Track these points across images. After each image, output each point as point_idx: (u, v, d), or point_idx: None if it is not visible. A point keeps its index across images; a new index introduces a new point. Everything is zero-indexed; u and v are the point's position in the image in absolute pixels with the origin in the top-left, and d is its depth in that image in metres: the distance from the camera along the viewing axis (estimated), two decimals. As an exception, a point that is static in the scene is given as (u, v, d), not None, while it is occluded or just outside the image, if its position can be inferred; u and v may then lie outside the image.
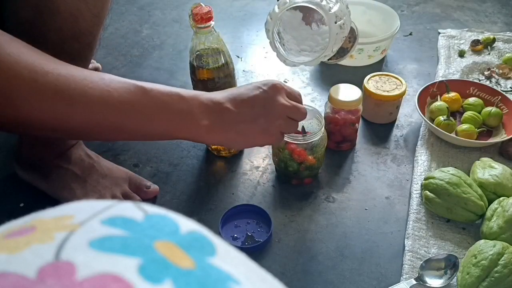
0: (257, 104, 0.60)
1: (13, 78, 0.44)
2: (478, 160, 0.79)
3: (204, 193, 0.79)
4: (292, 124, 0.65)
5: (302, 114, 0.65)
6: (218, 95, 0.60)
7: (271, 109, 0.61)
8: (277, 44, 0.72)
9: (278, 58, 0.73)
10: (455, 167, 0.74)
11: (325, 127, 0.76)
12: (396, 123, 0.92)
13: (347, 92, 0.81)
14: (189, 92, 0.58)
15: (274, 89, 0.61)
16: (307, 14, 0.73)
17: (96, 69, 1.05)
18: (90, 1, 0.61)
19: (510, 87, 0.99)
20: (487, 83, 0.99)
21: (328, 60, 0.78)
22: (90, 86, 0.48)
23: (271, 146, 0.79)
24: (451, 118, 0.86)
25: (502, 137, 0.83)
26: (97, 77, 0.50)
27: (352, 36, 0.81)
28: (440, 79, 0.97)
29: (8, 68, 0.44)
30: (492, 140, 0.84)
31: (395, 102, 0.88)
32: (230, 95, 0.60)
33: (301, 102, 0.66)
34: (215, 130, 0.58)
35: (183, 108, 0.56)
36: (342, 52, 0.82)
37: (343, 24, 0.69)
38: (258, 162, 0.84)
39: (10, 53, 0.45)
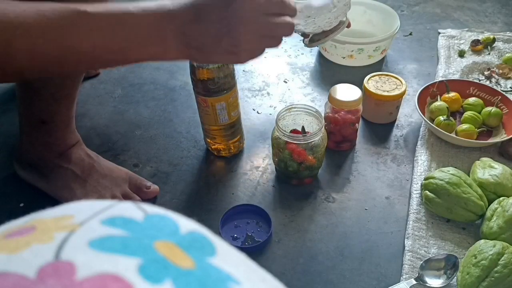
0: (221, 21, 0.52)
1: None
2: (478, 160, 0.79)
3: (204, 193, 0.79)
4: (270, 41, 0.56)
5: (284, 30, 0.55)
6: (179, 8, 0.52)
7: (237, 28, 0.52)
8: None
9: None
10: (455, 167, 0.74)
11: (325, 127, 0.76)
12: (396, 123, 0.92)
13: (347, 92, 0.81)
14: (144, 8, 0.51)
15: (242, 2, 0.52)
16: None
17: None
18: None
19: (510, 87, 0.99)
20: (487, 83, 0.99)
21: (309, 42, 0.76)
22: (25, 22, 0.46)
23: (271, 146, 0.79)
24: (451, 118, 0.86)
25: (502, 137, 0.83)
26: (32, 9, 0.46)
27: (342, 21, 0.80)
28: (440, 79, 0.97)
29: None
30: (492, 140, 0.84)
31: (395, 102, 0.88)
32: (193, 7, 0.52)
33: (291, 12, 0.56)
34: (173, 52, 0.53)
35: (137, 27, 0.51)
36: (329, 32, 0.79)
37: None
38: (258, 162, 0.84)
39: None
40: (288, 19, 0.55)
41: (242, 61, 0.57)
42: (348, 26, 0.76)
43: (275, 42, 0.57)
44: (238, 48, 0.54)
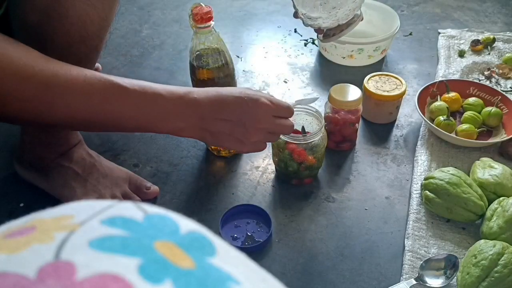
0: (235, 118, 0.62)
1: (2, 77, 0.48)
2: (478, 160, 0.79)
3: (204, 193, 0.79)
4: (273, 137, 0.68)
5: (286, 130, 0.67)
6: (201, 96, 0.60)
7: (249, 125, 0.62)
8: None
9: (296, 12, 0.72)
10: (455, 167, 0.74)
11: (325, 127, 0.76)
12: (396, 123, 0.92)
13: (347, 92, 0.81)
14: (171, 91, 0.59)
15: (256, 105, 0.62)
16: None
17: (96, 70, 1.05)
18: (98, 5, 0.61)
19: (510, 87, 0.99)
20: (487, 83, 0.99)
21: (324, 36, 0.76)
22: (72, 87, 0.52)
23: (271, 146, 0.79)
24: (451, 118, 0.86)
25: (502, 137, 0.83)
26: (80, 76, 0.53)
27: (357, 15, 0.80)
28: (440, 79, 0.97)
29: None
30: (492, 140, 0.84)
31: (395, 102, 0.88)
32: (213, 100, 0.61)
33: (290, 115, 0.67)
34: (193, 130, 0.62)
35: (163, 108, 0.59)
36: (345, 25, 0.80)
37: None
38: (258, 162, 0.84)
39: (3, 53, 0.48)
40: (289, 121, 0.67)
41: (247, 150, 0.68)
42: (361, 19, 0.77)
43: (275, 138, 0.69)
44: (247, 139, 0.64)
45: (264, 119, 0.63)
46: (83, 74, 0.53)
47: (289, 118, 0.67)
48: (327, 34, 0.76)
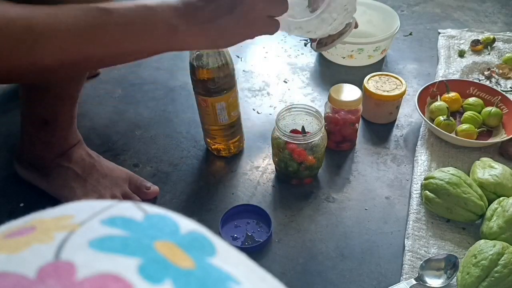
0: None
1: None
2: (478, 160, 0.79)
3: (204, 193, 0.79)
4: (279, 2, 0.58)
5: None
6: None
7: None
8: None
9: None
10: (455, 167, 0.74)
11: (325, 127, 0.76)
12: (396, 123, 0.92)
13: (347, 92, 0.81)
14: (157, 0, 0.53)
15: None
16: (313, 1, 0.73)
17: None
18: None
19: (510, 87, 0.99)
20: (487, 83, 0.99)
21: (317, 46, 0.77)
22: (55, 23, 0.48)
23: (271, 146, 0.79)
24: (451, 118, 0.86)
25: (502, 137, 0.83)
26: (60, 11, 0.49)
27: (349, 24, 0.80)
28: (440, 79, 0.97)
29: None
30: (492, 140, 0.84)
31: (395, 102, 0.88)
32: None
33: None
34: (194, 33, 0.54)
35: (153, 19, 0.53)
36: (336, 35, 0.80)
37: None
38: (258, 162, 0.84)
39: None
40: None
41: (261, 30, 0.58)
42: (356, 26, 0.76)
43: (284, 4, 0.58)
44: (253, 13, 0.55)
45: None
46: (61, 7, 0.49)
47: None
48: (320, 42, 0.77)
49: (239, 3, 0.54)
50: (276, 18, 0.63)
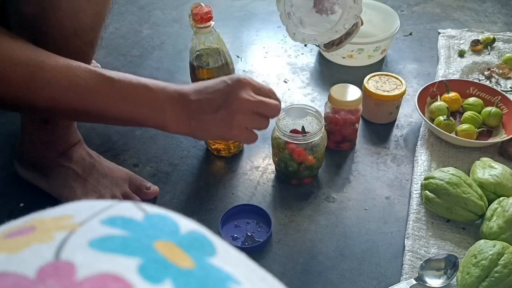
0: (219, 96, 0.61)
1: None
2: (478, 160, 0.79)
3: (204, 193, 0.79)
4: (260, 120, 0.64)
5: (272, 109, 0.64)
6: (185, 87, 0.62)
7: (232, 102, 0.61)
8: (287, 17, 0.72)
9: (288, 32, 0.73)
10: (455, 167, 0.74)
11: (325, 127, 0.76)
12: (396, 123, 0.92)
13: (347, 92, 0.81)
14: (157, 84, 0.60)
15: (238, 83, 0.62)
16: (318, 1, 0.74)
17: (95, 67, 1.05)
18: None
19: (510, 87, 0.99)
20: (487, 83, 0.99)
21: (325, 46, 0.78)
22: (57, 76, 0.53)
23: (271, 146, 0.79)
24: (451, 118, 0.86)
25: (502, 137, 0.83)
26: (66, 66, 0.55)
27: (355, 25, 0.81)
28: (440, 79, 0.97)
29: None
30: (492, 140, 0.84)
31: (395, 102, 0.88)
32: (196, 87, 0.62)
33: (274, 98, 0.65)
34: (179, 120, 0.61)
35: (149, 99, 0.59)
36: (343, 37, 0.81)
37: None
38: (258, 162, 0.84)
39: None
40: (274, 101, 0.64)
41: (235, 135, 0.64)
42: (362, 23, 0.77)
43: (263, 123, 0.65)
44: (232, 122, 0.61)
45: (246, 97, 0.61)
46: (69, 64, 0.55)
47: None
48: (328, 43, 0.77)
49: (225, 107, 0.61)
50: (288, 30, 0.70)
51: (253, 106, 0.62)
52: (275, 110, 0.64)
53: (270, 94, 0.65)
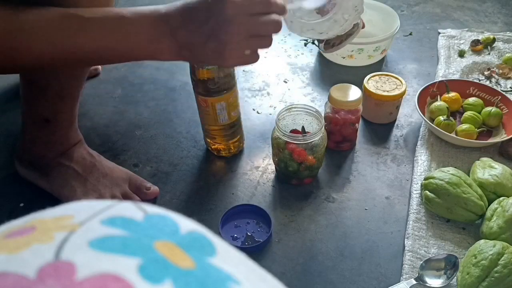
0: (205, 22, 0.53)
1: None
2: (478, 160, 0.79)
3: (204, 193, 0.79)
4: (259, 41, 0.55)
5: (273, 25, 0.54)
6: (169, 8, 0.55)
7: (223, 30, 0.53)
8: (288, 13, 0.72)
9: (284, 22, 0.72)
10: (455, 167, 0.74)
11: (325, 127, 0.76)
12: (396, 123, 0.92)
13: (347, 92, 0.81)
14: (135, 12, 0.55)
15: (223, 3, 0.52)
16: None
17: (95, 69, 1.05)
18: None
19: (510, 87, 0.99)
20: (487, 83, 0.99)
21: (325, 47, 0.77)
22: (34, 29, 0.52)
23: (271, 146, 0.79)
24: (451, 118, 0.86)
25: (502, 137, 0.83)
26: (41, 17, 0.52)
27: (356, 25, 0.81)
28: (440, 79, 0.97)
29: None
30: (492, 140, 0.84)
31: (395, 102, 0.88)
32: (180, 7, 0.55)
33: (273, 8, 0.54)
34: (167, 52, 0.56)
35: (127, 34, 0.55)
36: (344, 36, 0.81)
37: None
38: (258, 162, 0.84)
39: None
40: (274, 16, 0.55)
41: (229, 63, 0.57)
42: (363, 26, 0.77)
43: (265, 42, 0.56)
44: (223, 48, 0.54)
45: (236, 19, 0.52)
46: (44, 14, 0.52)
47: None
48: (328, 43, 0.77)
49: (213, 38, 0.54)
50: (285, 19, 0.65)
51: (249, 30, 0.54)
52: (275, 27, 0.55)
53: (266, 6, 0.54)
